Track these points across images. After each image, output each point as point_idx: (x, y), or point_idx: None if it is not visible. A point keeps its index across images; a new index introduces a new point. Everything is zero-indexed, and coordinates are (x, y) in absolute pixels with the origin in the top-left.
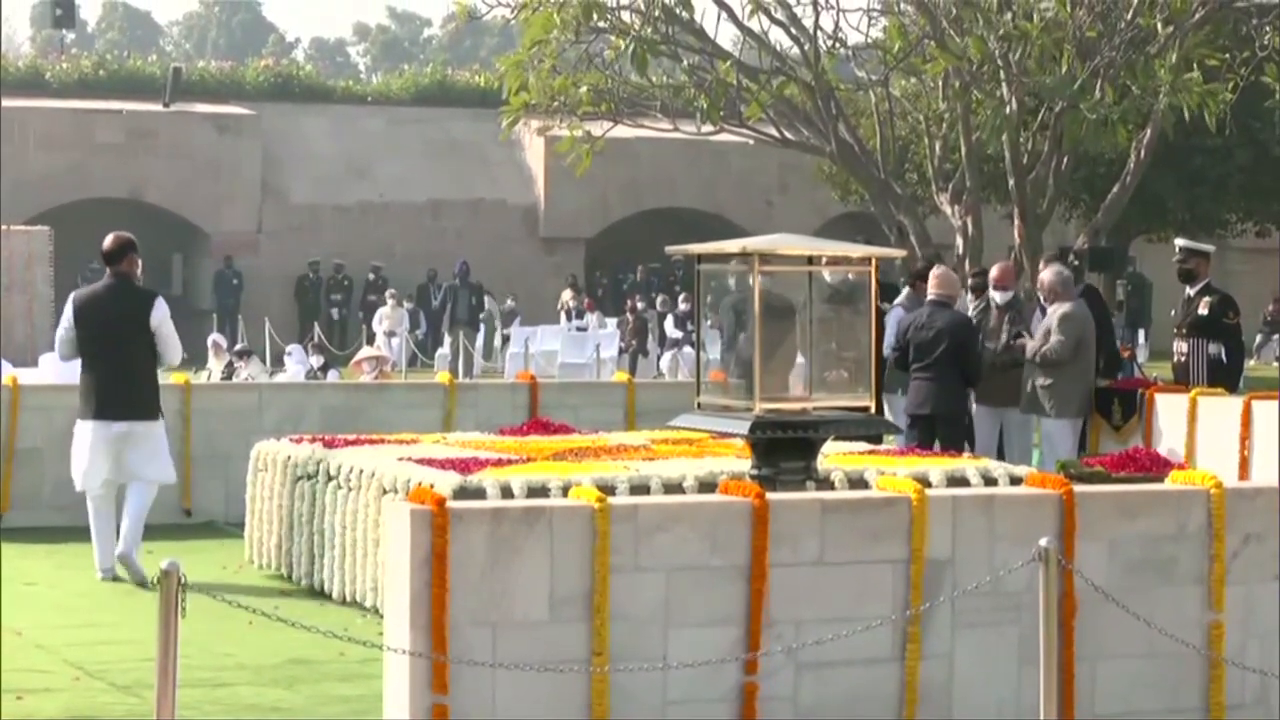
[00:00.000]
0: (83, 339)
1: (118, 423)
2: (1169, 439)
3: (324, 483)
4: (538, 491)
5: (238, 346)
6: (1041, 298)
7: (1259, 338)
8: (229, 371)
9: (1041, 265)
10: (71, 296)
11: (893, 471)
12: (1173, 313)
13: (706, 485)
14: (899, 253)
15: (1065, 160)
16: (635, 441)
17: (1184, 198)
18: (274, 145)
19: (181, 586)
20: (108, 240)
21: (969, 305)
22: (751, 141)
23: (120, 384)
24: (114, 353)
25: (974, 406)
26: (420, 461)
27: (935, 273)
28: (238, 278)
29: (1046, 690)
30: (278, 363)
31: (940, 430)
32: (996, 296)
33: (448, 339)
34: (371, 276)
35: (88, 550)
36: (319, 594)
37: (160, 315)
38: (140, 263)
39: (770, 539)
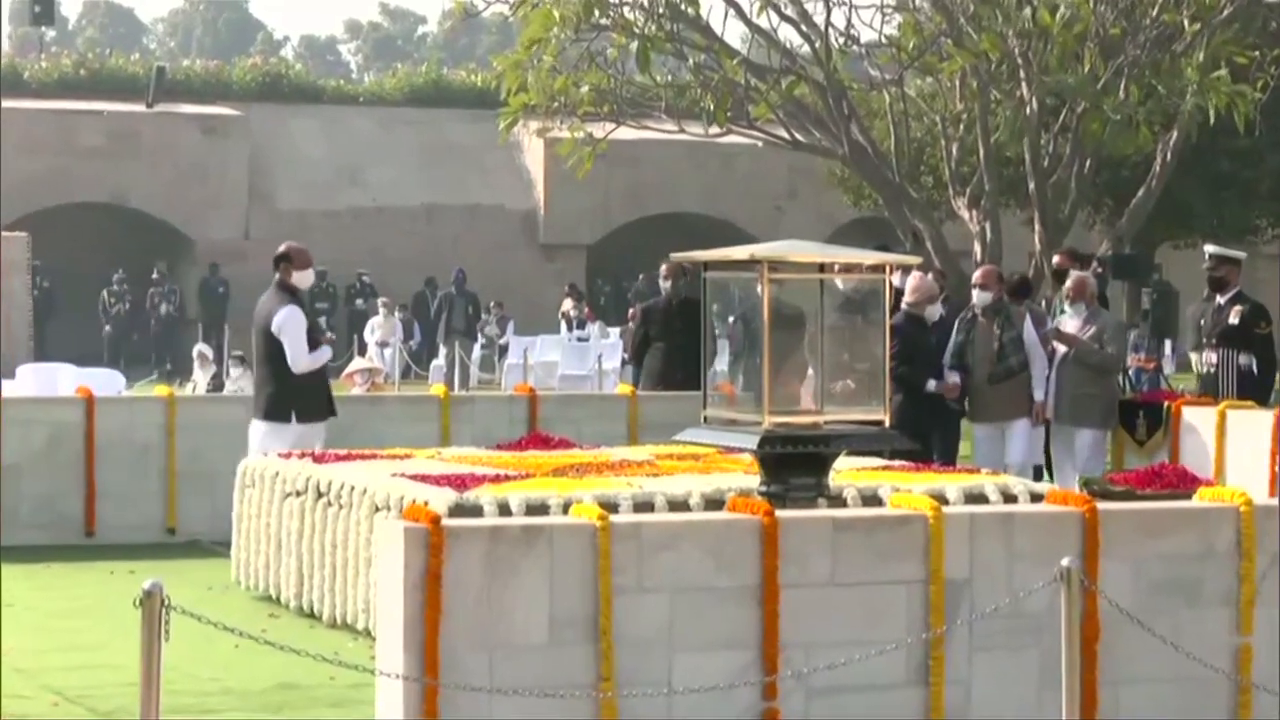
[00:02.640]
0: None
1: (254, 421)
2: (1196, 454)
3: (314, 500)
4: (537, 509)
5: (236, 352)
6: (1073, 300)
7: None
8: (216, 384)
9: (1058, 261)
10: None
11: (908, 488)
12: (1201, 322)
13: (713, 502)
14: (914, 259)
15: (1088, 163)
16: (639, 456)
17: (1211, 202)
18: (262, 148)
19: (165, 608)
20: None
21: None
22: (760, 144)
23: (255, 385)
24: (255, 355)
25: (973, 424)
26: (414, 478)
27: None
28: (224, 286)
29: (1068, 716)
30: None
31: None
32: (975, 298)
33: (443, 350)
34: (359, 284)
35: (68, 570)
36: (308, 616)
37: (279, 321)
38: (296, 273)
39: (780, 558)
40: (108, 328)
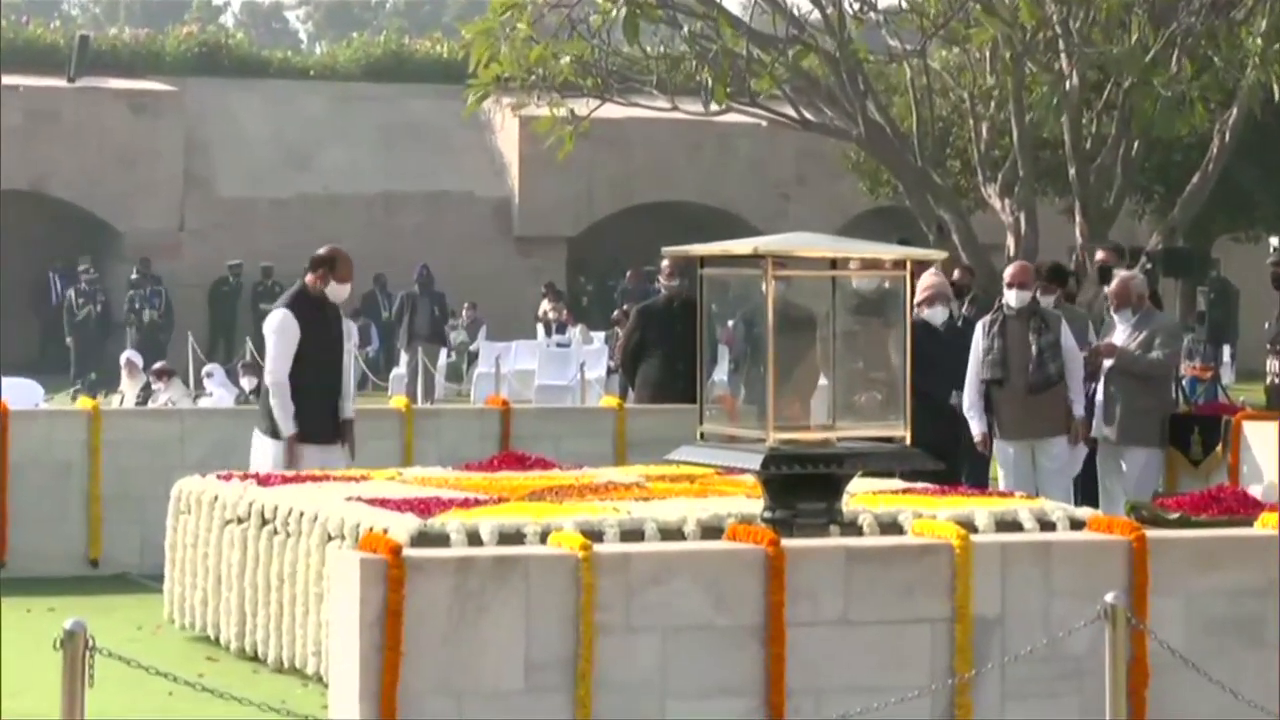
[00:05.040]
0: None
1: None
2: (1258, 475)
3: (257, 527)
4: (511, 537)
5: (157, 365)
6: (1117, 306)
7: None
8: (145, 395)
9: (1101, 258)
10: None
11: (931, 514)
12: (1266, 325)
13: (711, 530)
14: (939, 254)
15: (1135, 145)
16: (626, 478)
17: (1274, 190)
18: (199, 128)
19: (89, 650)
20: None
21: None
22: (764, 123)
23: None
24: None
25: (997, 442)
26: (372, 502)
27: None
28: (156, 284)
29: None
30: (202, 385)
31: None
32: (1011, 298)
33: (404, 357)
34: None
35: None
36: (251, 659)
37: (269, 322)
38: (335, 283)
39: (786, 594)
40: (69, 335)
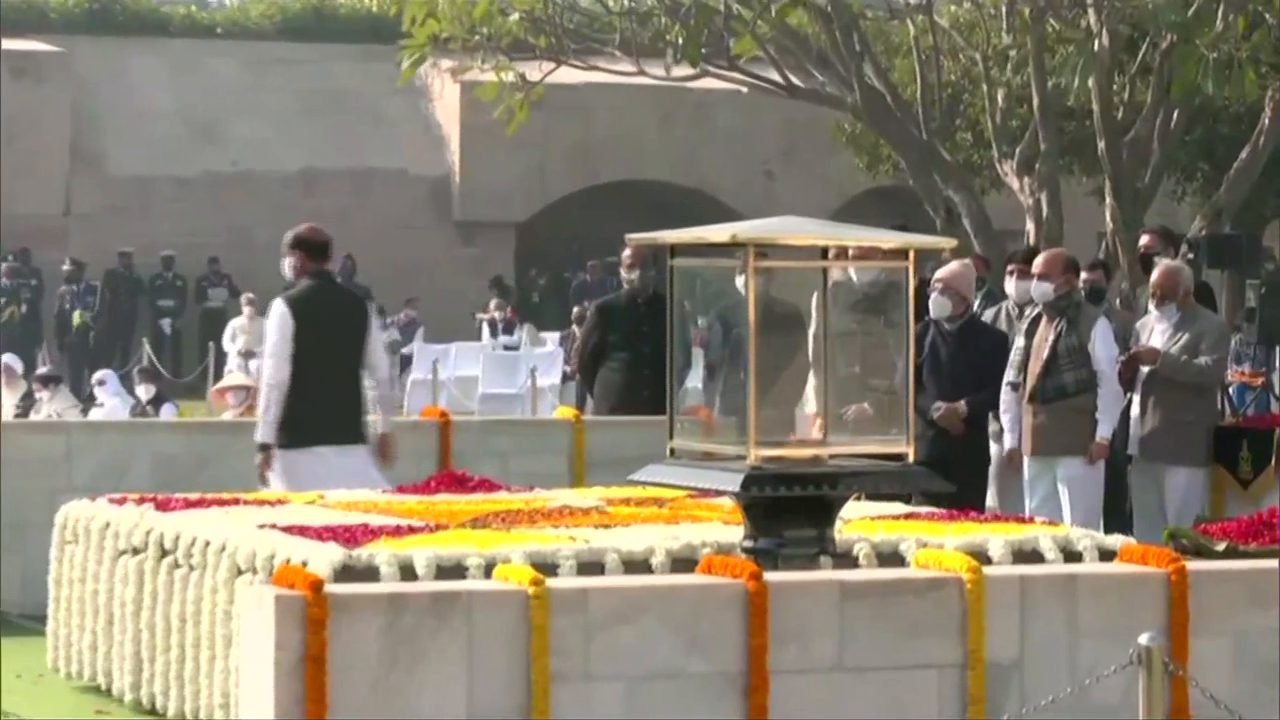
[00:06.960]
0: (303, 350)
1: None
2: None
3: (156, 559)
4: (450, 571)
5: (41, 370)
6: (1160, 299)
7: None
8: (26, 406)
9: (1145, 244)
10: (288, 302)
11: (938, 543)
12: None
13: (682, 562)
14: (949, 242)
15: (1175, 115)
16: (584, 502)
17: None
18: (89, 95)
19: None
20: (309, 231)
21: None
22: (745, 90)
23: (344, 402)
24: (336, 365)
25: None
26: (288, 530)
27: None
28: (37, 278)
29: None
30: (92, 395)
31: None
32: (1034, 291)
33: None
34: (215, 274)
35: None
36: (149, 712)
37: (375, 323)
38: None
39: (771, 636)
40: None
